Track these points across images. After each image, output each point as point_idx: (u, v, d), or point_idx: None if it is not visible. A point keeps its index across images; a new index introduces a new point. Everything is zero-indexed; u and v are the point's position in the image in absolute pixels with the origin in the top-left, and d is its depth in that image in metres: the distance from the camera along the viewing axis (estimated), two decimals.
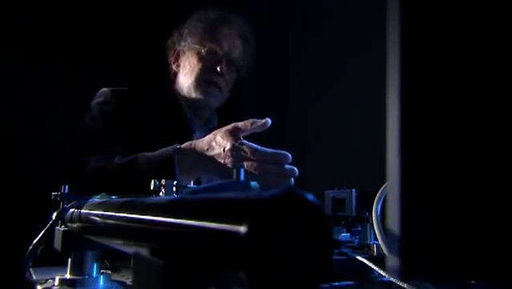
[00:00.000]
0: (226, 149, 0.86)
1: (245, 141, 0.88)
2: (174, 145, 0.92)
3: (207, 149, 0.89)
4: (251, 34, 1.25)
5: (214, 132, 0.91)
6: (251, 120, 0.89)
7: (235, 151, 0.86)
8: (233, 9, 1.25)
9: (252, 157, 0.86)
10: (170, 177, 0.84)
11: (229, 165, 0.85)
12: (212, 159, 0.88)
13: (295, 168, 0.89)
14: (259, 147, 0.87)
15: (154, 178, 0.86)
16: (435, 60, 0.33)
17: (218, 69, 1.16)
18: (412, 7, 0.33)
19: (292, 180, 0.89)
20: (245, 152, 0.86)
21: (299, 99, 1.85)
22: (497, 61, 0.32)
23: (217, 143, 0.88)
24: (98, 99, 1.13)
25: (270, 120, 0.89)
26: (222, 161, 0.86)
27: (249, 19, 1.26)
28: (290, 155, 0.87)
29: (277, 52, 1.87)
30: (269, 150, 0.87)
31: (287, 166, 0.87)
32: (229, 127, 0.89)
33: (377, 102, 0.51)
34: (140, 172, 0.88)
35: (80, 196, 0.63)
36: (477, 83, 0.32)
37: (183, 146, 0.92)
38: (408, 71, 0.32)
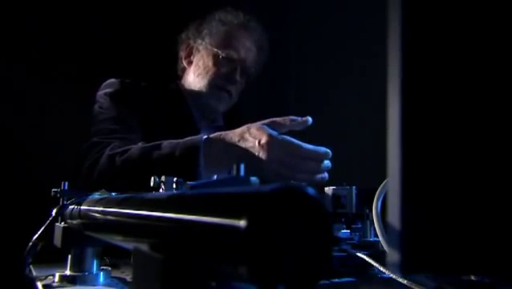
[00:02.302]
0: (262, 142, 0.83)
1: (285, 136, 0.84)
2: (201, 134, 0.89)
3: (239, 140, 0.85)
4: (268, 44, 1.24)
5: (248, 125, 0.87)
6: (290, 117, 0.86)
7: (272, 144, 0.82)
8: (235, 8, 1.24)
9: (292, 152, 0.83)
10: (193, 166, 0.83)
11: (264, 159, 0.82)
12: (244, 151, 0.84)
13: (330, 163, 0.86)
14: (301, 142, 0.83)
15: (177, 165, 0.84)
16: (435, 56, 0.32)
17: (233, 77, 1.15)
18: (413, 7, 0.33)
19: (326, 175, 0.87)
20: (284, 146, 0.82)
21: (300, 96, 1.85)
22: (498, 60, 0.32)
23: (252, 135, 0.84)
24: (107, 90, 1.10)
25: (310, 119, 0.86)
26: (256, 154, 0.83)
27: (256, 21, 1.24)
28: (330, 151, 0.84)
29: (277, 51, 1.86)
30: (310, 146, 0.84)
31: (325, 162, 0.85)
32: (266, 121, 0.86)
33: (377, 98, 0.51)
34: (164, 157, 0.85)
35: (81, 192, 0.63)
36: (476, 80, 0.32)
37: (212, 136, 0.88)
38: (409, 68, 0.32)
